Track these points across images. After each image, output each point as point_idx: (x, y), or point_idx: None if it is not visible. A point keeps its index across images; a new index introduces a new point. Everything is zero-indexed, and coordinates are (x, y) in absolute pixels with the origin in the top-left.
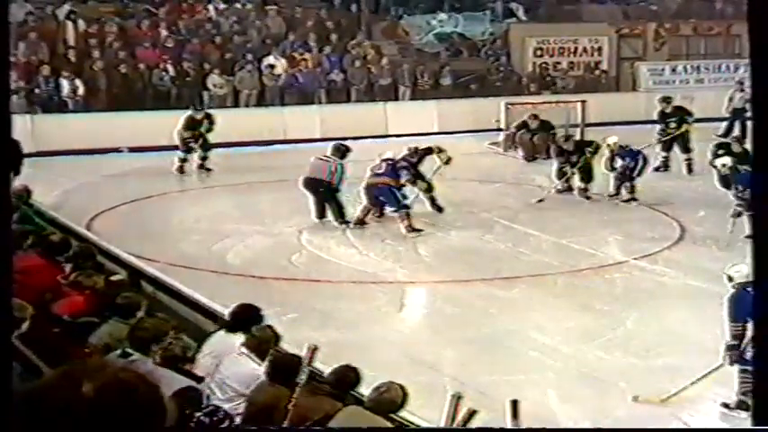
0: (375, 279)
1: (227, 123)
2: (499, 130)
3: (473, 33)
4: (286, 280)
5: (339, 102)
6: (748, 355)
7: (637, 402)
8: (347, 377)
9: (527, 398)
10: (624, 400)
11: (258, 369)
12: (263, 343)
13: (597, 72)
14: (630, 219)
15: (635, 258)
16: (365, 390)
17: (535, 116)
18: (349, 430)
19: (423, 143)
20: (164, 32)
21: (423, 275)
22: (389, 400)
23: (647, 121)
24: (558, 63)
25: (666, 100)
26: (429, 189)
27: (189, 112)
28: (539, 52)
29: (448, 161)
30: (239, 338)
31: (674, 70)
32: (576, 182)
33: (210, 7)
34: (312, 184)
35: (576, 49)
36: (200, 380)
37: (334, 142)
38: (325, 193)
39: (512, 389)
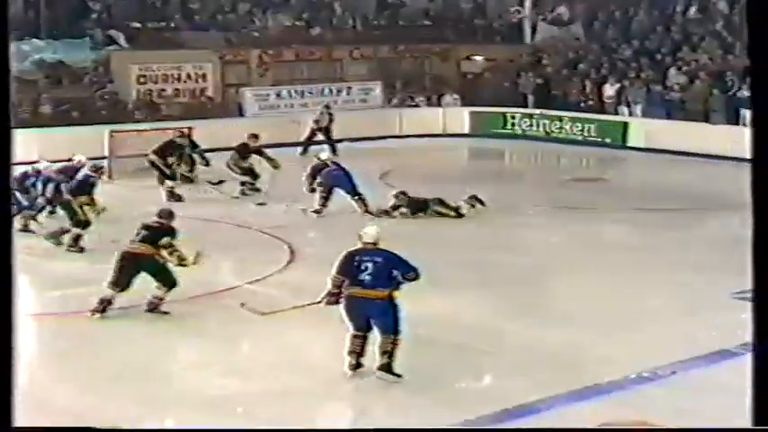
0: None
1: None
2: (104, 158)
3: (74, 60)
4: None
5: None
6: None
7: (243, 308)
8: None
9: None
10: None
11: None
12: None
13: (203, 98)
14: (243, 243)
15: (248, 282)
16: None
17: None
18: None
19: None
20: None
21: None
22: None
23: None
24: (164, 90)
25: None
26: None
27: None
28: (142, 79)
29: None
30: None
31: (278, 95)
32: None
33: None
34: None
35: (180, 75)
36: None
37: None
38: None
39: (129, 420)
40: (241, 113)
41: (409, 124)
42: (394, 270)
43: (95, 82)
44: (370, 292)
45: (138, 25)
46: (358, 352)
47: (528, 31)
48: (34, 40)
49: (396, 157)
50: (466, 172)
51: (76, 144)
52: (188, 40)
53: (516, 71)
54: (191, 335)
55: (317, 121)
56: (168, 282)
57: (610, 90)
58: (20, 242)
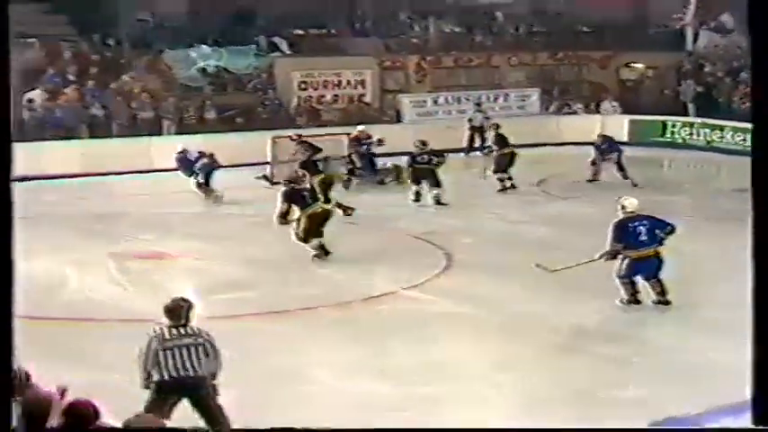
0: (142, 317)
1: None
2: (267, 163)
3: (238, 67)
4: (46, 320)
5: (101, 136)
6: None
7: (537, 267)
8: (83, 413)
9: None
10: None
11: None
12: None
13: (361, 104)
14: (397, 248)
15: (403, 288)
16: None
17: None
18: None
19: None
20: None
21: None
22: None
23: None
24: (323, 96)
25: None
26: None
27: None
28: (303, 86)
29: None
30: None
31: (436, 102)
32: None
33: None
34: None
35: (339, 82)
36: None
37: None
38: None
39: (280, 423)
40: (399, 119)
41: (567, 131)
42: (657, 230)
43: (259, 88)
44: (645, 251)
45: (300, 32)
46: (636, 291)
47: (690, 38)
48: (202, 46)
49: (552, 164)
50: (623, 180)
51: (241, 149)
52: (348, 47)
53: (677, 79)
54: (344, 339)
55: (470, 120)
56: None
57: None
58: (182, 245)
